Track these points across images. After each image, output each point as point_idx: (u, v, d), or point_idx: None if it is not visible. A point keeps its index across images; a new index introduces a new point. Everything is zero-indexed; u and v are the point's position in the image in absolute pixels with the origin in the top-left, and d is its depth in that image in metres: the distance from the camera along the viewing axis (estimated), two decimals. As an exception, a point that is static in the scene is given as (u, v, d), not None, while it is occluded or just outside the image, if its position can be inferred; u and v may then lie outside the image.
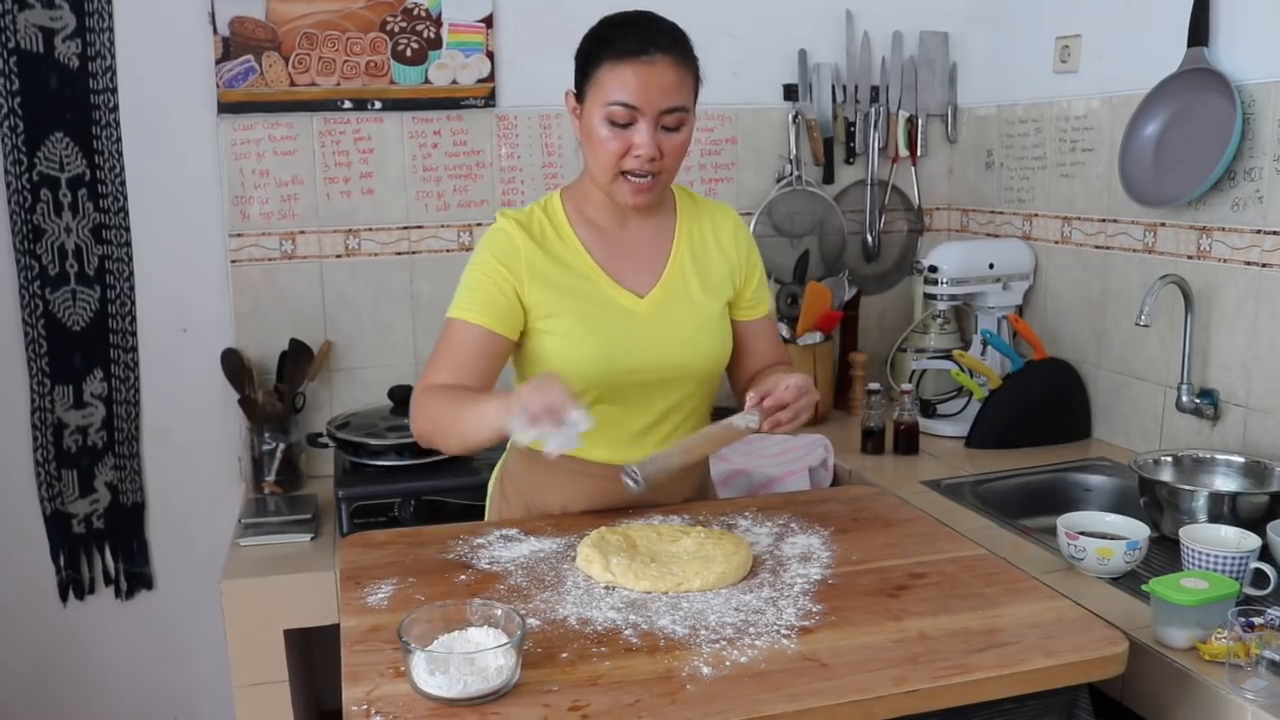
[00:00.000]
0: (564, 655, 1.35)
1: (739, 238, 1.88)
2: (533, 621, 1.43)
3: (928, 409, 2.78)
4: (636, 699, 1.25)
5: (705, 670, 1.31)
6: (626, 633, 1.41)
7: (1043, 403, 2.62)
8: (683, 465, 1.69)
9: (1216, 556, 1.69)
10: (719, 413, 1.82)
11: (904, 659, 1.35)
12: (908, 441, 2.60)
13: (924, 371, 2.88)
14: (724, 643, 1.38)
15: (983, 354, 2.78)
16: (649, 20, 1.70)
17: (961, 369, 2.70)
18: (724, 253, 1.86)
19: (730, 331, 1.87)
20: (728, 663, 1.33)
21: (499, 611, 1.36)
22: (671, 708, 1.23)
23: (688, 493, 1.94)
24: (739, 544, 1.62)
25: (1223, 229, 2.26)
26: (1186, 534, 1.76)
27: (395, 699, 1.26)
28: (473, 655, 1.26)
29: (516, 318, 1.75)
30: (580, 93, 1.72)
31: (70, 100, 2.57)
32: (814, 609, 1.48)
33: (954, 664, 1.34)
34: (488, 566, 1.63)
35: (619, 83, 1.65)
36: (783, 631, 1.41)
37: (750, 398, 1.68)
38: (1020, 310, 2.85)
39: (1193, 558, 1.72)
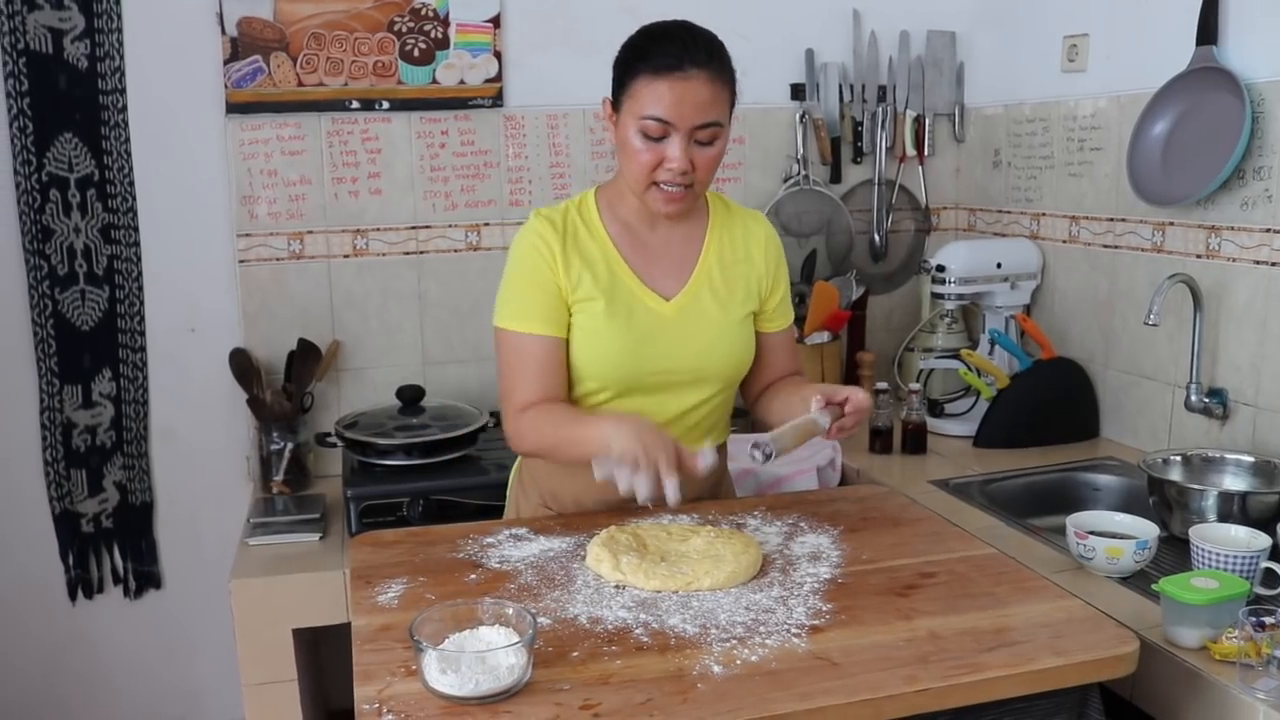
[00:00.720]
0: (575, 654, 1.36)
1: (769, 249, 1.90)
2: (543, 620, 1.43)
3: (935, 408, 2.78)
4: (648, 697, 1.25)
5: (716, 669, 1.32)
6: (637, 631, 1.41)
7: (1051, 402, 2.62)
8: (793, 447, 1.70)
9: (1227, 556, 1.69)
10: (737, 415, 1.83)
11: (914, 658, 1.35)
12: (915, 441, 2.60)
13: (932, 371, 2.88)
14: (735, 641, 1.38)
15: (990, 353, 2.78)
16: (686, 33, 1.69)
17: (969, 368, 2.70)
18: (752, 262, 1.88)
19: (753, 338, 1.89)
20: (738, 661, 1.33)
21: (510, 610, 1.36)
22: (683, 706, 1.24)
23: (710, 490, 1.95)
24: (749, 543, 1.62)
25: (1232, 228, 2.26)
26: (1196, 533, 1.76)
27: (407, 697, 1.26)
28: (484, 654, 1.26)
29: (565, 314, 1.78)
30: (616, 102, 1.74)
31: (79, 101, 2.58)
32: (824, 608, 1.48)
33: (964, 663, 1.34)
34: (498, 565, 1.63)
35: (654, 97, 1.66)
36: (793, 630, 1.41)
37: (817, 400, 1.71)
38: (1028, 310, 2.85)
39: (1203, 557, 1.72)
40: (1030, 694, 1.36)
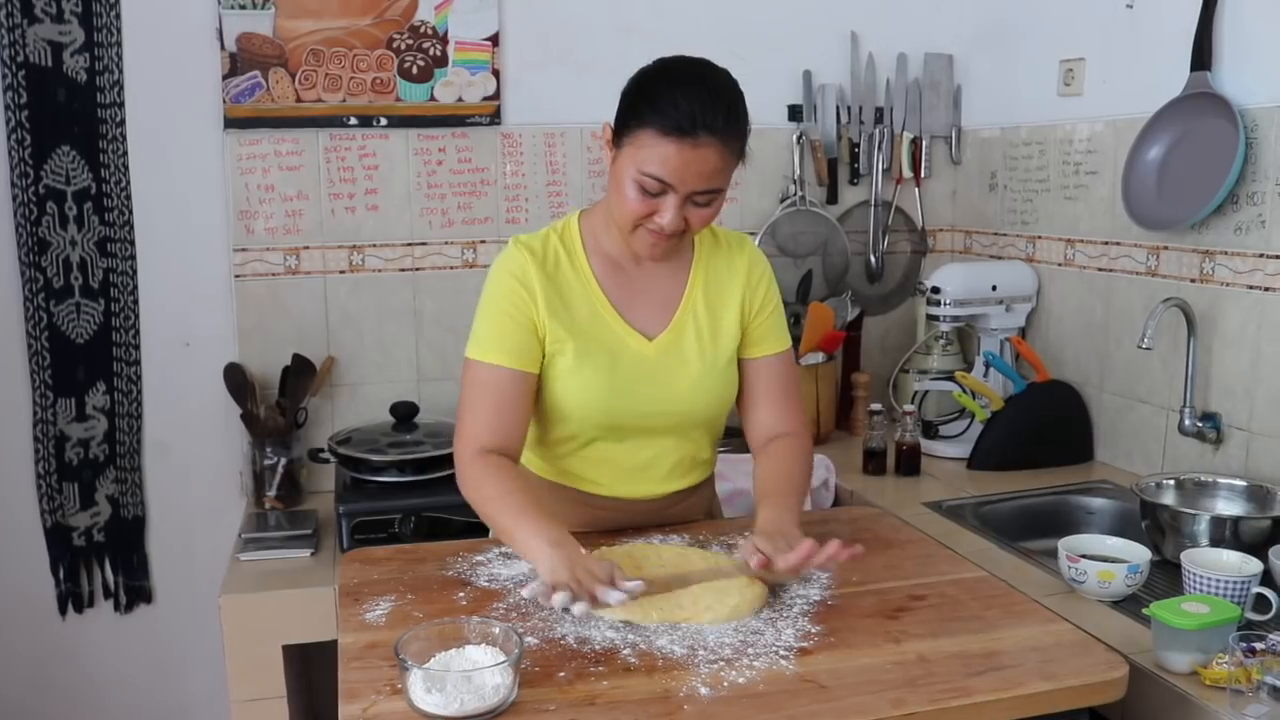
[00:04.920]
0: (561, 674, 1.35)
1: (753, 270, 1.80)
2: (530, 640, 1.43)
3: (930, 430, 2.78)
4: (633, 719, 1.25)
5: (703, 690, 1.31)
6: (625, 652, 1.41)
7: (1045, 425, 2.62)
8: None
9: (1218, 580, 1.68)
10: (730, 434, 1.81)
11: (902, 681, 1.34)
12: (909, 462, 2.60)
13: (926, 392, 2.88)
14: (722, 663, 1.38)
15: (985, 375, 2.78)
16: (706, 89, 1.55)
17: (964, 390, 2.70)
18: (736, 290, 1.78)
19: (735, 379, 1.79)
20: (726, 683, 1.33)
21: (497, 629, 1.36)
22: (668, 728, 1.23)
23: (696, 513, 1.92)
24: (751, 581, 1.58)
25: (1225, 253, 2.26)
26: (1188, 558, 1.75)
27: (392, 716, 1.26)
28: (470, 673, 1.26)
29: (538, 350, 1.70)
30: (616, 139, 1.61)
31: (77, 114, 2.58)
32: (813, 630, 1.48)
33: (953, 687, 1.33)
34: (487, 584, 1.63)
35: (657, 156, 1.53)
36: (781, 653, 1.41)
37: (756, 558, 1.53)
38: (1023, 332, 2.85)
39: (1194, 582, 1.71)
40: (1019, 718, 1.35)
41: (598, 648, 1.42)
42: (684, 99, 1.52)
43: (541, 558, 1.49)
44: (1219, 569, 1.72)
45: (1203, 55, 2.26)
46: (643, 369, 1.71)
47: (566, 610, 1.44)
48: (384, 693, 1.30)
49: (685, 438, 1.79)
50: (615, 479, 1.78)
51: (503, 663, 1.27)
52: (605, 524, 1.79)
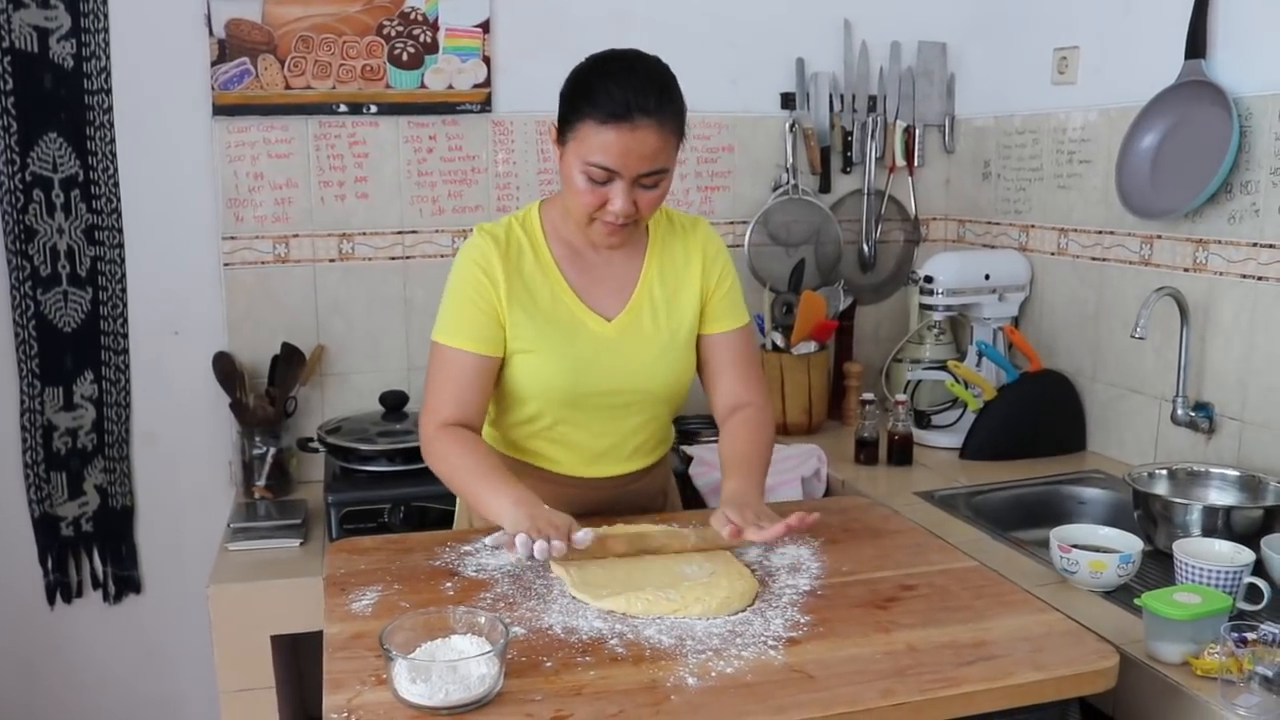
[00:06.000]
0: (548, 664, 1.34)
1: (708, 249, 1.86)
2: (517, 630, 1.42)
3: (922, 420, 2.77)
4: (620, 709, 1.24)
5: (691, 681, 1.30)
6: (612, 642, 1.40)
7: (1037, 415, 2.61)
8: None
9: (1210, 571, 1.68)
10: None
11: (892, 671, 1.33)
12: (902, 452, 2.59)
13: (919, 382, 2.87)
14: (710, 653, 1.37)
15: (978, 365, 2.77)
16: (636, 76, 1.63)
17: (956, 380, 2.69)
18: (693, 269, 1.85)
19: (694, 356, 1.86)
20: (714, 673, 1.32)
21: (482, 619, 1.35)
22: (656, 718, 1.22)
23: (654, 489, 1.96)
24: (742, 572, 1.59)
25: (1219, 242, 2.25)
26: (1180, 548, 1.74)
27: (376, 707, 1.24)
28: (455, 663, 1.25)
29: (500, 335, 1.77)
30: (561, 135, 1.69)
31: (64, 100, 2.56)
32: (802, 620, 1.47)
33: (942, 677, 1.32)
34: (474, 574, 1.62)
35: (599, 145, 1.62)
36: (770, 642, 1.40)
37: (728, 528, 1.62)
38: (1016, 322, 2.84)
39: (1186, 572, 1.71)
40: (1009, 708, 1.34)
41: (585, 638, 1.41)
42: (616, 87, 1.61)
43: (505, 516, 1.58)
44: (1211, 559, 1.71)
45: (1197, 43, 2.25)
46: (602, 348, 1.78)
47: (531, 559, 1.52)
48: (369, 683, 1.29)
49: (648, 416, 1.85)
50: (579, 460, 1.84)
51: (488, 652, 1.26)
52: (571, 503, 1.79)
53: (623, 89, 1.60)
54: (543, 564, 1.61)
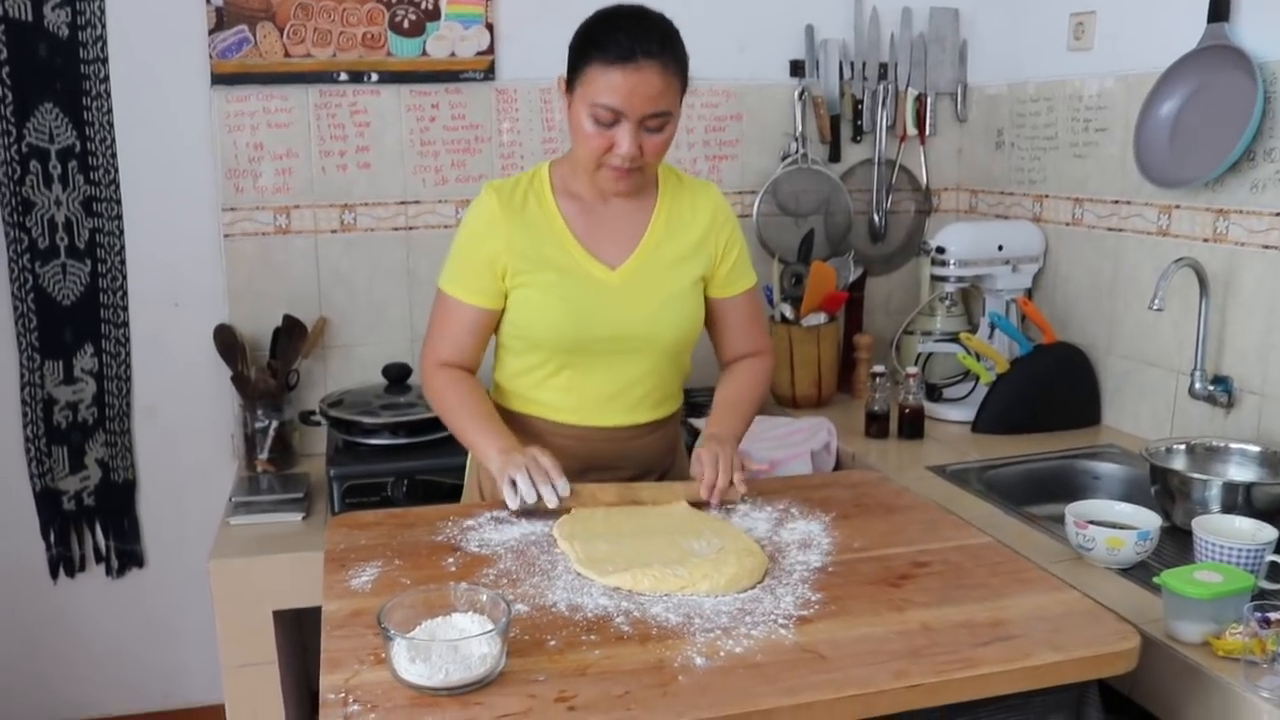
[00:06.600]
0: (552, 643, 1.31)
1: (718, 215, 1.91)
2: (520, 607, 1.39)
3: (933, 393, 2.73)
4: (626, 690, 1.20)
5: (699, 661, 1.27)
6: (618, 620, 1.36)
7: (1051, 388, 2.57)
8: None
9: (1231, 549, 1.64)
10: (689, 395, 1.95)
11: (906, 651, 1.30)
12: (913, 426, 2.55)
13: (930, 354, 2.83)
14: (719, 632, 1.34)
15: (990, 337, 2.72)
16: (639, 22, 1.71)
17: (969, 352, 2.65)
18: (701, 229, 1.89)
19: (701, 306, 1.91)
20: (722, 653, 1.29)
21: (484, 597, 1.31)
22: (662, 700, 1.19)
23: (658, 451, 1.95)
24: (751, 548, 1.55)
25: (1241, 211, 2.20)
26: (1199, 525, 1.70)
27: (374, 687, 1.21)
28: (456, 643, 1.21)
29: (499, 288, 1.83)
30: (570, 83, 1.75)
31: (60, 70, 2.51)
32: (813, 598, 1.43)
33: (958, 657, 1.29)
34: (477, 549, 1.59)
35: (605, 85, 1.68)
36: (780, 621, 1.37)
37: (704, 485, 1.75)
38: (1029, 293, 2.79)
39: (1206, 549, 1.67)
40: (1026, 690, 1.31)
41: (590, 615, 1.38)
42: (621, 33, 1.69)
43: (493, 462, 1.72)
44: (1232, 536, 1.67)
45: (1220, 6, 2.19)
46: (606, 294, 1.82)
47: (524, 505, 1.66)
48: (367, 662, 1.26)
49: (652, 367, 1.87)
50: (583, 406, 1.87)
51: (490, 631, 1.23)
52: (575, 456, 1.83)
53: (627, 35, 1.68)
54: (546, 540, 1.58)
